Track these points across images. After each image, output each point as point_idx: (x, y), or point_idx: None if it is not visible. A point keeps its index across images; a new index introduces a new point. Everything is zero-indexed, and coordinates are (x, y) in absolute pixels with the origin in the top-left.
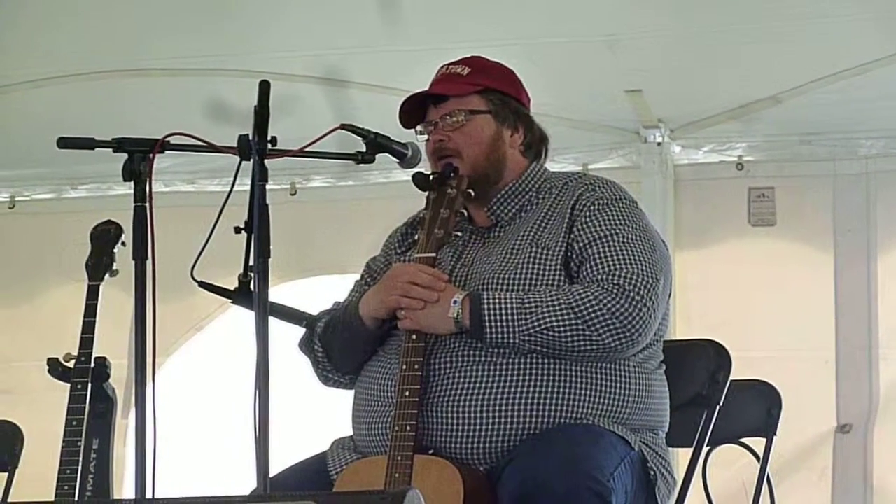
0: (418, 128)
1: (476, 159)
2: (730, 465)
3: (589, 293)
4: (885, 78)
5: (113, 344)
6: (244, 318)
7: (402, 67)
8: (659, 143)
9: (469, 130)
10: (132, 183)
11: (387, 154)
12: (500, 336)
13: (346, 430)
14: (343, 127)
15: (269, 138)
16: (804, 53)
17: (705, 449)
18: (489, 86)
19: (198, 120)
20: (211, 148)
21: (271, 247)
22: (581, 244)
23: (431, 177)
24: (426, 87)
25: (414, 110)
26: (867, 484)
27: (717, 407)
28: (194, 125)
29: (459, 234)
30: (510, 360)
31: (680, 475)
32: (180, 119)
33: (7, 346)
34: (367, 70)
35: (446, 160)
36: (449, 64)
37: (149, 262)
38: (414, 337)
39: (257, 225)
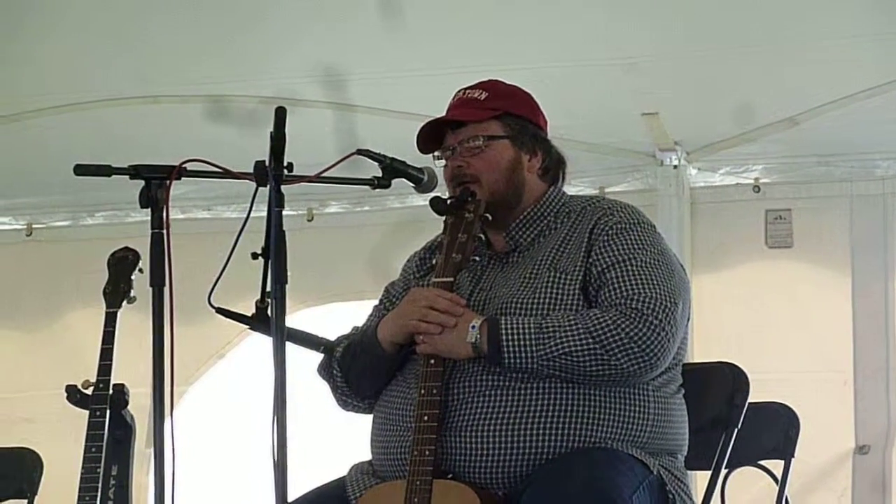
0: (436, 153)
1: (495, 185)
2: (748, 487)
3: (607, 318)
4: None
5: (136, 372)
6: (265, 344)
7: (417, 92)
8: (675, 166)
9: (487, 156)
10: (149, 210)
11: (403, 179)
12: (518, 361)
13: (365, 454)
14: (359, 152)
15: (285, 164)
16: (820, 75)
17: (724, 471)
18: (507, 110)
19: (214, 146)
20: (227, 174)
21: (289, 273)
22: (599, 268)
23: (449, 201)
24: (443, 112)
25: (432, 135)
26: None
27: (735, 429)
28: (211, 151)
29: (477, 258)
30: (528, 385)
31: (698, 498)
32: (197, 146)
33: (26, 373)
34: (381, 95)
35: (464, 186)
36: (466, 88)
37: (166, 289)
38: (432, 361)
39: (274, 251)
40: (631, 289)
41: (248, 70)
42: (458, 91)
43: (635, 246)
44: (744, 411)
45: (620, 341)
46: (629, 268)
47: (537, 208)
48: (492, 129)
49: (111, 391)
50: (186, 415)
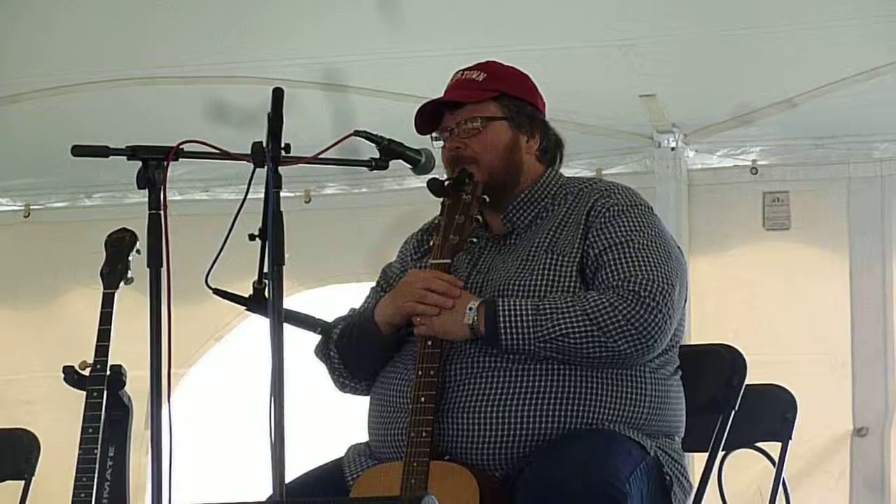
0: (434, 134)
1: (493, 166)
2: (746, 469)
3: (604, 299)
4: None
5: (135, 355)
6: (262, 325)
7: (414, 74)
8: (673, 148)
9: (485, 137)
10: (146, 191)
11: (400, 160)
12: (515, 342)
13: (362, 435)
14: (357, 133)
15: (282, 145)
16: (818, 57)
17: (721, 453)
18: (505, 91)
19: (211, 127)
20: (225, 155)
21: (286, 254)
22: (596, 250)
23: (446, 183)
24: (440, 94)
25: (430, 116)
26: (885, 487)
27: (733, 411)
28: (208, 133)
29: (475, 240)
30: (526, 367)
31: (696, 480)
32: (194, 127)
33: (24, 355)
34: (379, 77)
35: (462, 167)
36: (464, 69)
37: (164, 270)
38: (429, 343)
39: (272, 232)
40: (628, 271)
41: (245, 53)
42: (457, 72)
43: (632, 228)
44: (741, 393)
45: (617, 323)
46: (626, 250)
47: (534, 190)
48: (490, 110)
49: (108, 372)
50: (185, 397)
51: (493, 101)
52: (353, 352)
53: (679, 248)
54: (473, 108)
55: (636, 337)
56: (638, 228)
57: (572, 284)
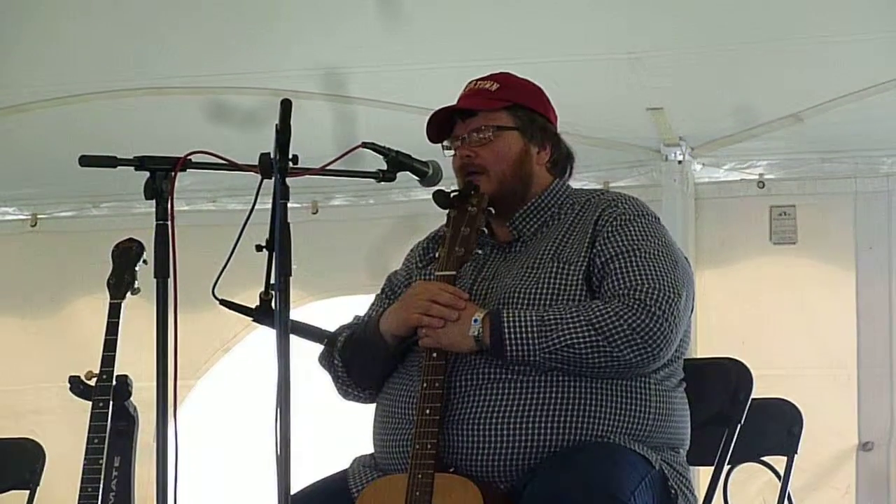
0: (445, 142)
1: (503, 176)
2: (751, 483)
3: (609, 309)
4: None
5: (144, 366)
6: (270, 337)
7: (422, 85)
8: (680, 161)
9: (496, 147)
10: (154, 201)
11: (408, 172)
12: (520, 354)
13: (368, 447)
14: (364, 145)
15: (290, 156)
16: (825, 71)
17: (726, 467)
18: (517, 102)
19: (218, 137)
20: (232, 166)
21: (293, 265)
22: (603, 259)
23: (452, 195)
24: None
25: (441, 125)
26: (890, 502)
27: (739, 425)
28: (215, 143)
29: (480, 251)
30: (531, 378)
31: (701, 494)
32: (201, 137)
33: (31, 364)
34: (386, 88)
35: (471, 177)
36: (477, 79)
37: (170, 281)
38: (434, 355)
39: (279, 243)
40: (634, 279)
41: (251, 64)
42: (470, 82)
43: (639, 237)
44: (747, 407)
45: (623, 332)
46: (632, 258)
47: (542, 199)
48: (501, 119)
49: (114, 382)
50: (193, 409)
51: (505, 111)
52: (357, 361)
53: (686, 258)
54: (485, 116)
55: (641, 346)
56: (645, 237)
57: (578, 293)
